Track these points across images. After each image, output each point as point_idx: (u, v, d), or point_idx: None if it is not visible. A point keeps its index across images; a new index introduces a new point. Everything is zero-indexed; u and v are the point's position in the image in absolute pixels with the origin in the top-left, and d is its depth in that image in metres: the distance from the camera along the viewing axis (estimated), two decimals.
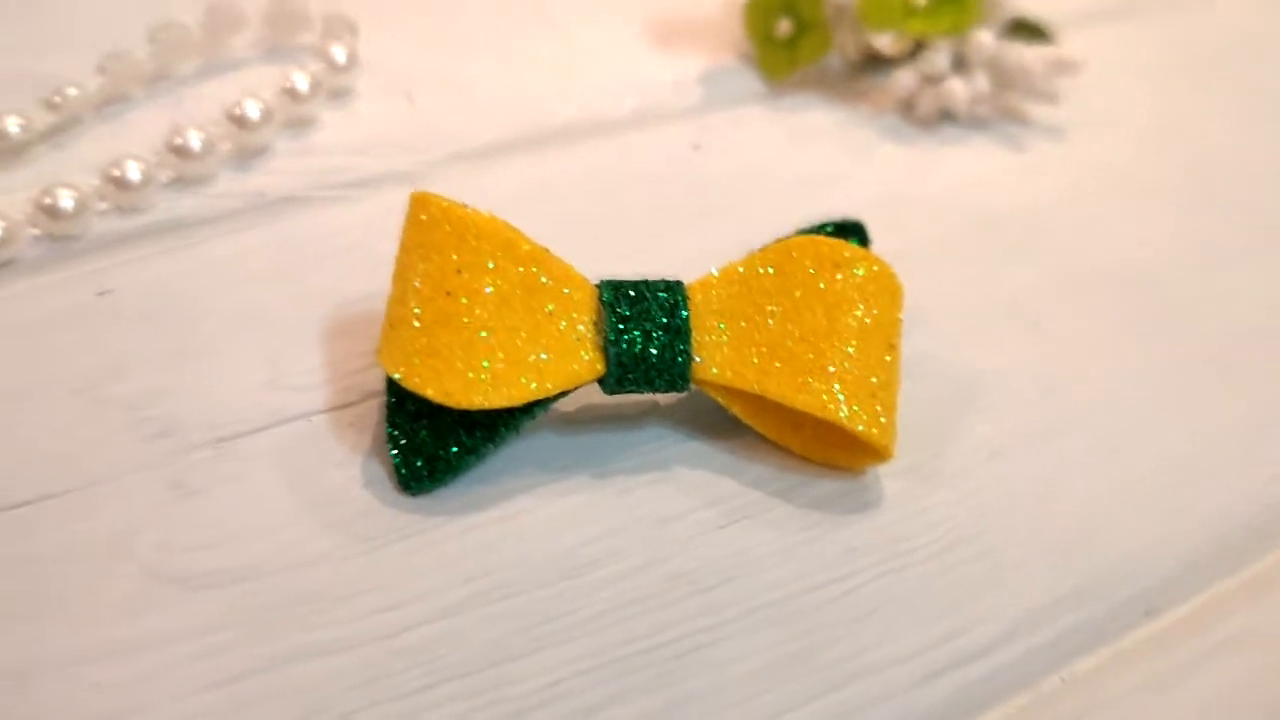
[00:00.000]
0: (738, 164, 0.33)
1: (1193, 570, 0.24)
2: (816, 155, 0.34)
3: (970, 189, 0.34)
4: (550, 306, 0.23)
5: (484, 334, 0.23)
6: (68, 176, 0.29)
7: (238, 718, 0.20)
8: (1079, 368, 0.28)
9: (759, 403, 0.24)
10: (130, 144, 0.31)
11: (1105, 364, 0.29)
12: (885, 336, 0.24)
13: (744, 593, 0.23)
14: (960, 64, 0.35)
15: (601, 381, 0.24)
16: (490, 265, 0.23)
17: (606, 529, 0.23)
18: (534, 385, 0.23)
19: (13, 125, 0.30)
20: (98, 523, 0.22)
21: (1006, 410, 0.27)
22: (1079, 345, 0.29)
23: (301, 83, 0.32)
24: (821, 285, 0.24)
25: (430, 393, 0.22)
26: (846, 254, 0.24)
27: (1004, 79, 0.35)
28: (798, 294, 0.24)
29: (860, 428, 0.24)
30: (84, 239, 0.29)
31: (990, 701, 0.22)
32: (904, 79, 0.35)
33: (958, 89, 0.35)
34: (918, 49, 0.35)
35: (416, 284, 0.23)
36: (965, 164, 0.35)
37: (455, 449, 0.23)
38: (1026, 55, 0.35)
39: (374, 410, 0.25)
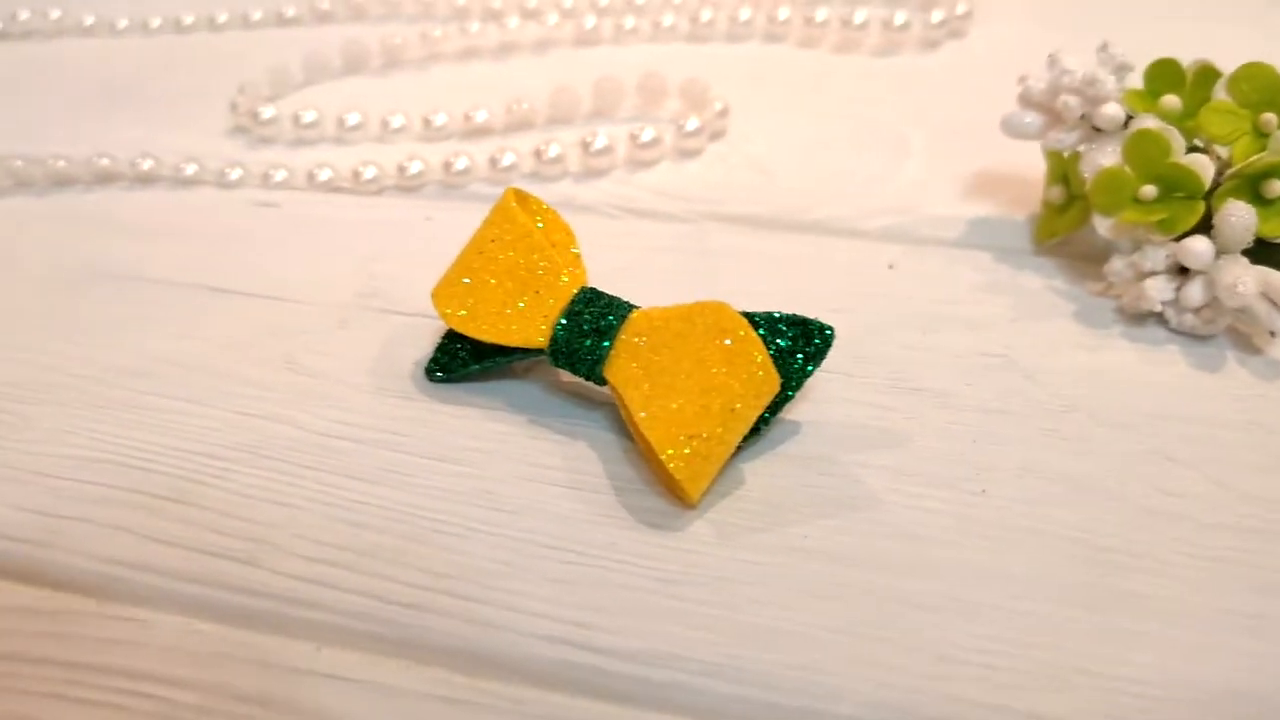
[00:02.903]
0: (906, 289, 0.36)
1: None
2: (985, 303, 0.35)
3: (1094, 379, 0.32)
4: (535, 287, 0.32)
5: (491, 282, 0.32)
6: (480, 154, 0.44)
7: (251, 431, 0.33)
8: (967, 540, 0.28)
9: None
10: (530, 146, 0.45)
11: (995, 551, 0.27)
12: (730, 401, 0.28)
13: (516, 526, 0.29)
14: (1180, 268, 0.33)
15: (547, 352, 0.32)
16: (511, 245, 0.32)
17: (495, 449, 0.31)
18: (498, 334, 0.32)
19: (480, 115, 0.47)
20: (285, 320, 0.37)
21: (856, 532, 0.28)
22: (993, 527, 0.28)
23: (647, 135, 0.44)
24: (701, 344, 0.29)
25: (438, 310, 0.33)
26: (738, 331, 0.29)
27: (1216, 294, 0.32)
28: (684, 344, 0.29)
29: (669, 459, 0.28)
30: (463, 190, 0.44)
31: (594, 692, 0.26)
32: (1116, 266, 0.34)
33: (1154, 289, 0.33)
34: (1144, 240, 0.34)
35: (472, 243, 0.33)
36: (1124, 359, 0.33)
37: (459, 361, 0.33)
38: (1244, 273, 0.32)
39: None
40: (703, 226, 0.41)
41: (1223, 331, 0.33)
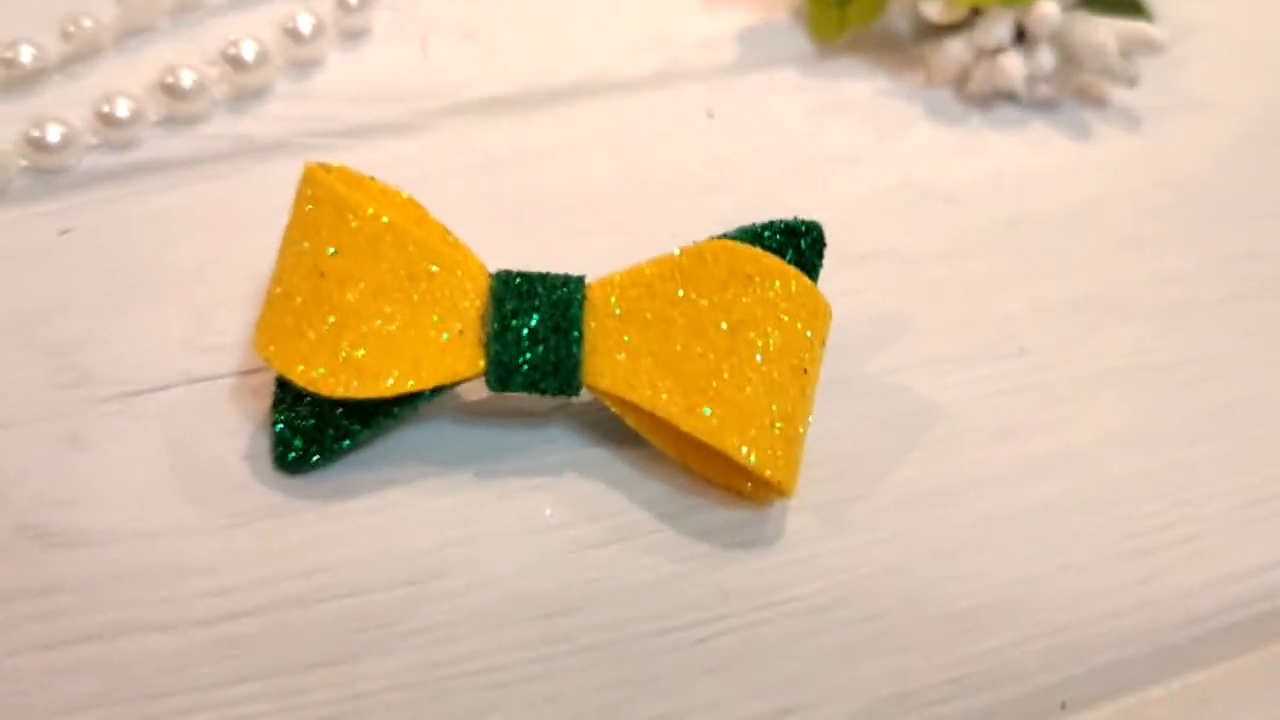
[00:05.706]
0: (750, 136, 0.31)
1: (1121, 669, 0.21)
2: (840, 130, 0.31)
3: (1006, 182, 0.30)
4: (433, 296, 0.22)
5: (362, 310, 0.22)
6: (75, 109, 0.30)
7: (50, 683, 0.20)
8: (1052, 413, 0.25)
9: (655, 417, 0.22)
10: (143, 77, 0.31)
11: (1086, 416, 0.25)
12: (796, 359, 0.22)
13: (588, 626, 0.21)
14: (1022, 36, 0.31)
15: (486, 379, 0.23)
16: (370, 249, 0.22)
17: (469, 534, 0.22)
18: (405, 379, 0.22)
19: (25, 54, 0.31)
20: None
21: (949, 451, 0.24)
22: (1064, 388, 0.25)
23: (304, 24, 0.32)
24: (730, 298, 0.22)
25: (294, 376, 0.22)
26: (764, 265, 0.22)
27: (1072, 56, 0.31)
28: (703, 304, 0.22)
29: (753, 460, 0.21)
30: (71, 173, 0.29)
31: None
32: (955, 49, 0.31)
33: (1012, 65, 0.31)
34: (975, 16, 0.31)
35: (293, 262, 0.22)
36: (1010, 152, 0.31)
37: (332, 432, 0.23)
38: (1098, 31, 0.30)
39: None
40: (450, 127, 0.31)
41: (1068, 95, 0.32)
